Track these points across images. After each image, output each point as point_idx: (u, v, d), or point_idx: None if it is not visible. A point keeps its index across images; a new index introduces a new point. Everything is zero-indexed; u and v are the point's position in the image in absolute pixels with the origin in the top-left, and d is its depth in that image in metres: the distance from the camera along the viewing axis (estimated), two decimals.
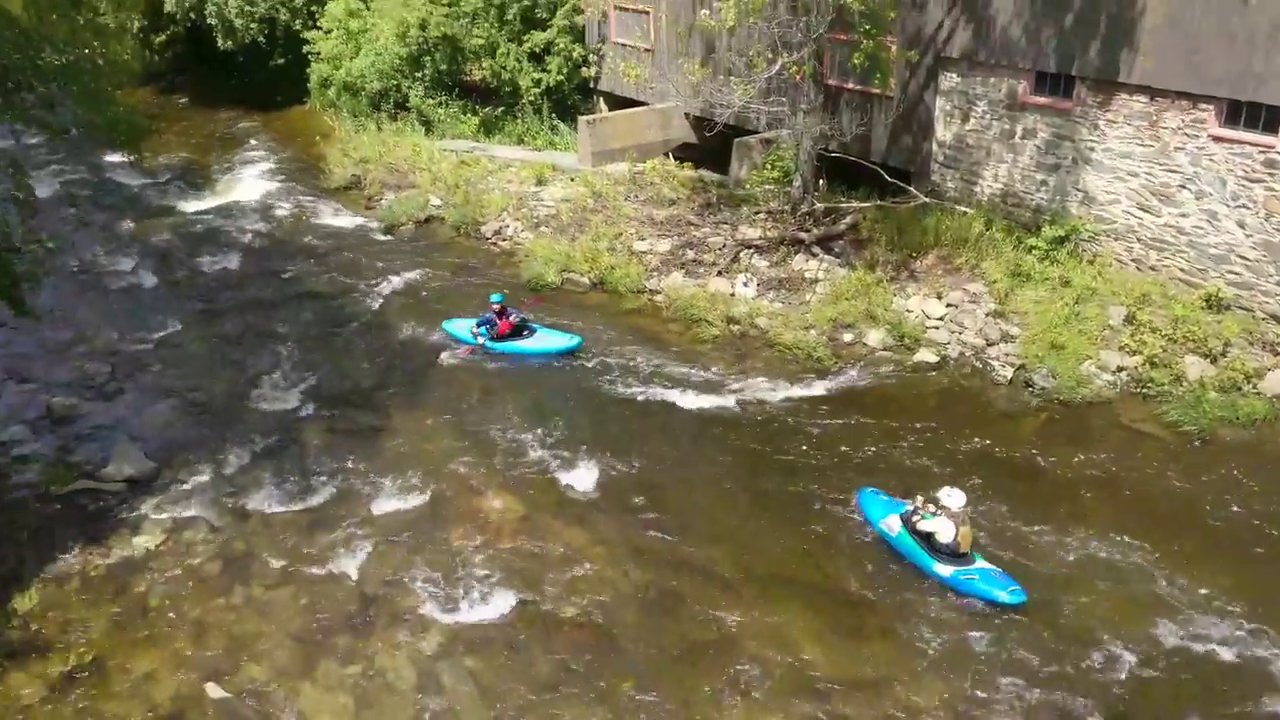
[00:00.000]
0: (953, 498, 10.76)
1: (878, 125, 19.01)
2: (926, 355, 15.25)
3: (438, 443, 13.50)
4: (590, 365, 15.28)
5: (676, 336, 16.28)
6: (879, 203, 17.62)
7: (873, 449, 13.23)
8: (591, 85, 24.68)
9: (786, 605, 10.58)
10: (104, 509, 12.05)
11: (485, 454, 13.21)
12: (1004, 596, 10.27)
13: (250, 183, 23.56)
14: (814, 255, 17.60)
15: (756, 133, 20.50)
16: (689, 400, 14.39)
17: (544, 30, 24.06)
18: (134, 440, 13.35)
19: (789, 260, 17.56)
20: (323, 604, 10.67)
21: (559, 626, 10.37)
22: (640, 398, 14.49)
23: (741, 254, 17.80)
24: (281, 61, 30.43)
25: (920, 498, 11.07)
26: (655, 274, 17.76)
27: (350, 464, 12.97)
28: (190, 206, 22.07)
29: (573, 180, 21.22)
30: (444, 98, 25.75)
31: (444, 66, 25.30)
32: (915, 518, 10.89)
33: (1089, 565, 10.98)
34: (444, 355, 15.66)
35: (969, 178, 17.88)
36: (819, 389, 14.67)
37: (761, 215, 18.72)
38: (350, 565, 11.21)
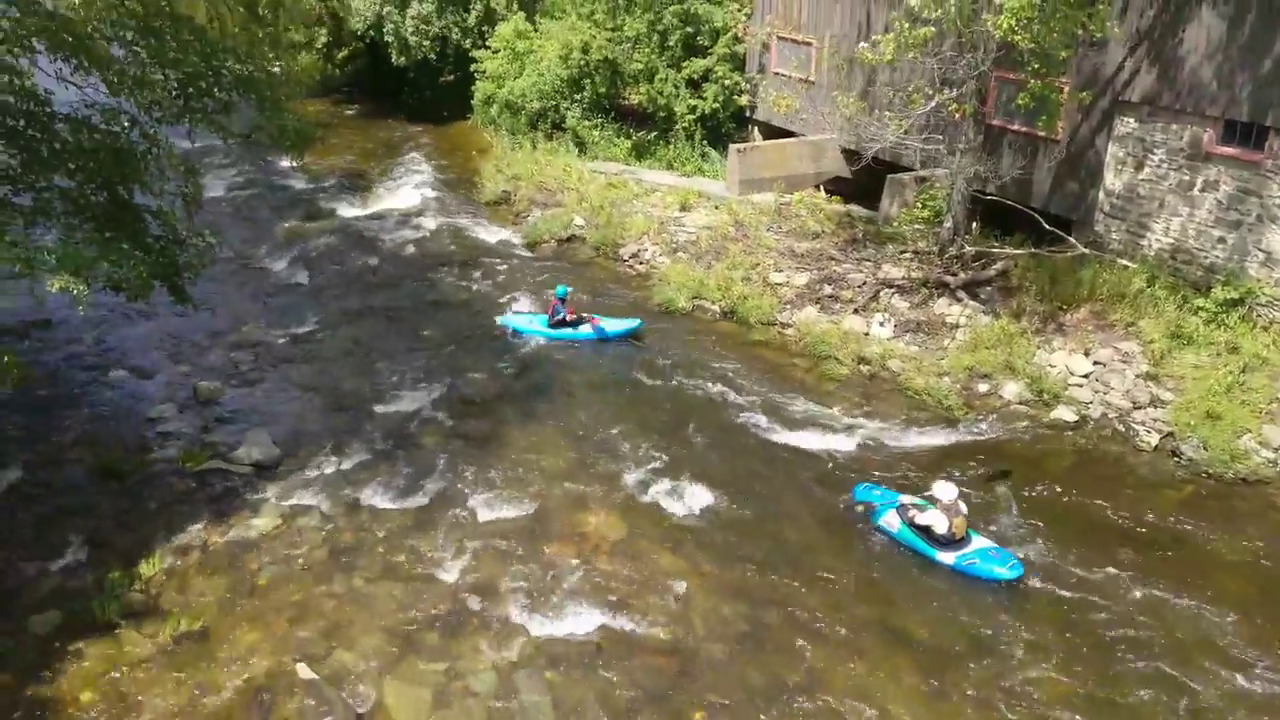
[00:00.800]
0: (944, 491, 11.30)
1: (1040, 169, 18.07)
2: (1065, 413, 14.29)
3: (549, 456, 13.52)
4: (711, 394, 15.04)
5: (803, 373, 15.83)
6: (1034, 250, 16.70)
7: (999, 504, 12.44)
8: (747, 114, 24.58)
9: (876, 656, 10.03)
10: (230, 489, 12.60)
11: (594, 472, 13.15)
12: (1004, 573, 10.95)
13: (407, 192, 24.51)
14: (958, 300, 16.82)
15: (911, 170, 19.85)
16: (808, 438, 13.95)
17: (704, 58, 24.13)
18: (265, 427, 13.94)
19: (930, 303, 16.85)
20: (417, 601, 10.78)
21: (641, 650, 10.15)
22: (758, 430, 14.15)
23: (881, 293, 17.20)
24: (451, 78, 31.78)
25: (911, 497, 11.80)
26: (788, 307, 17.37)
27: (462, 470, 13.14)
28: (348, 211, 23.11)
29: (717, 208, 21.11)
30: (600, 120, 26.16)
31: (602, 89, 25.74)
32: (911, 513, 11.42)
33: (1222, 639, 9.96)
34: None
35: (1136, 230, 16.73)
36: (946, 438, 13.96)
37: (908, 255, 18.10)
38: (448, 567, 11.32)
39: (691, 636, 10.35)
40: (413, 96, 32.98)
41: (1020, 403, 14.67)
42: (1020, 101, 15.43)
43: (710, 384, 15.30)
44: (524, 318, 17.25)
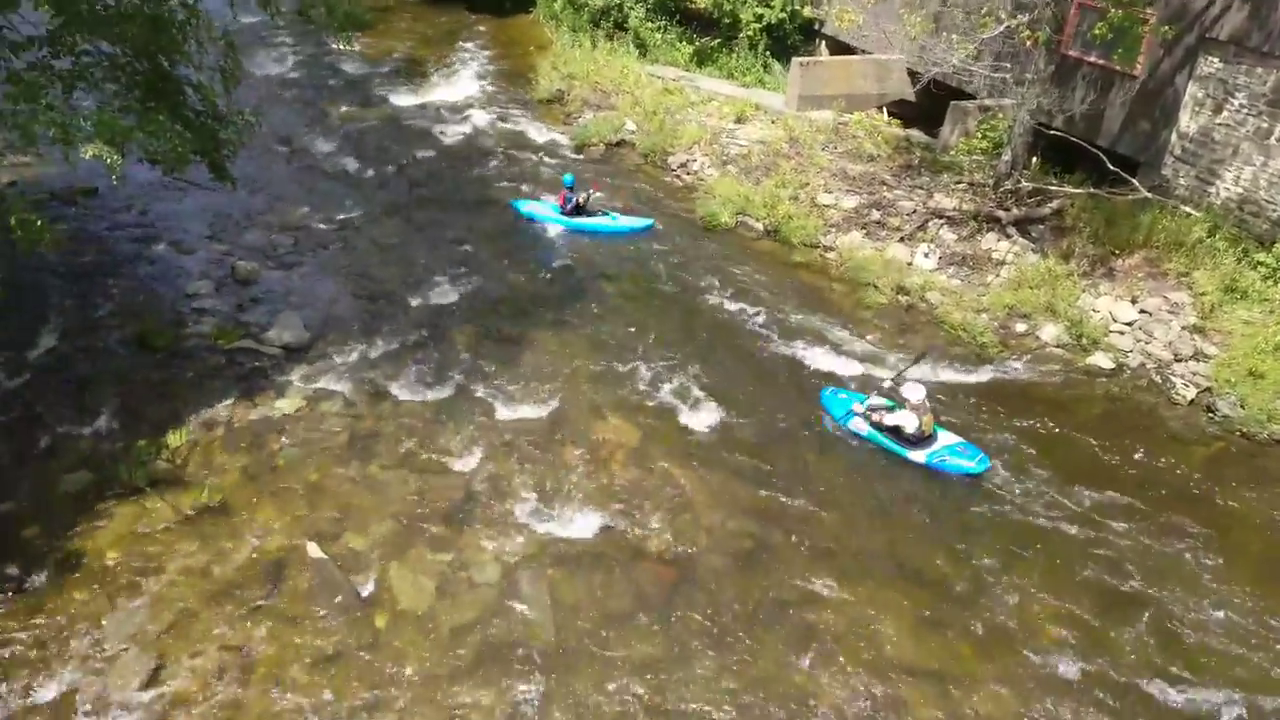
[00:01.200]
0: (913, 391, 11.82)
1: (1113, 106, 17.25)
2: (1102, 360, 13.94)
3: (574, 359, 13.56)
4: (743, 312, 14.90)
5: (840, 298, 15.58)
6: (1093, 190, 16.03)
7: (1021, 445, 12.28)
8: (816, 27, 23.70)
9: (880, 585, 10.08)
10: (258, 369, 12.84)
11: (617, 379, 13.18)
12: (972, 467, 11.64)
13: (460, 84, 24.17)
14: (1008, 236, 16.32)
15: (976, 98, 19.09)
16: (836, 363, 13.82)
17: None
18: (297, 310, 14.11)
19: (979, 237, 16.37)
20: (429, 492, 11.01)
21: (645, 558, 10.32)
22: (786, 352, 14.02)
23: (930, 223, 16.73)
24: None
25: (877, 393, 12.33)
26: (833, 230, 17.00)
27: (486, 367, 13.24)
28: (400, 100, 22.88)
29: (774, 122, 20.55)
30: (663, 22, 25.41)
31: None
32: (880, 414, 11.90)
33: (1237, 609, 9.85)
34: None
35: (1205, 177, 15.98)
36: (977, 376, 13.73)
37: (962, 186, 17.52)
38: (463, 461, 11.50)
39: (695, 550, 10.46)
40: None
41: (1057, 345, 14.33)
42: (1097, 31, 14.62)
43: (743, 302, 15.14)
44: (536, 204, 17.68)
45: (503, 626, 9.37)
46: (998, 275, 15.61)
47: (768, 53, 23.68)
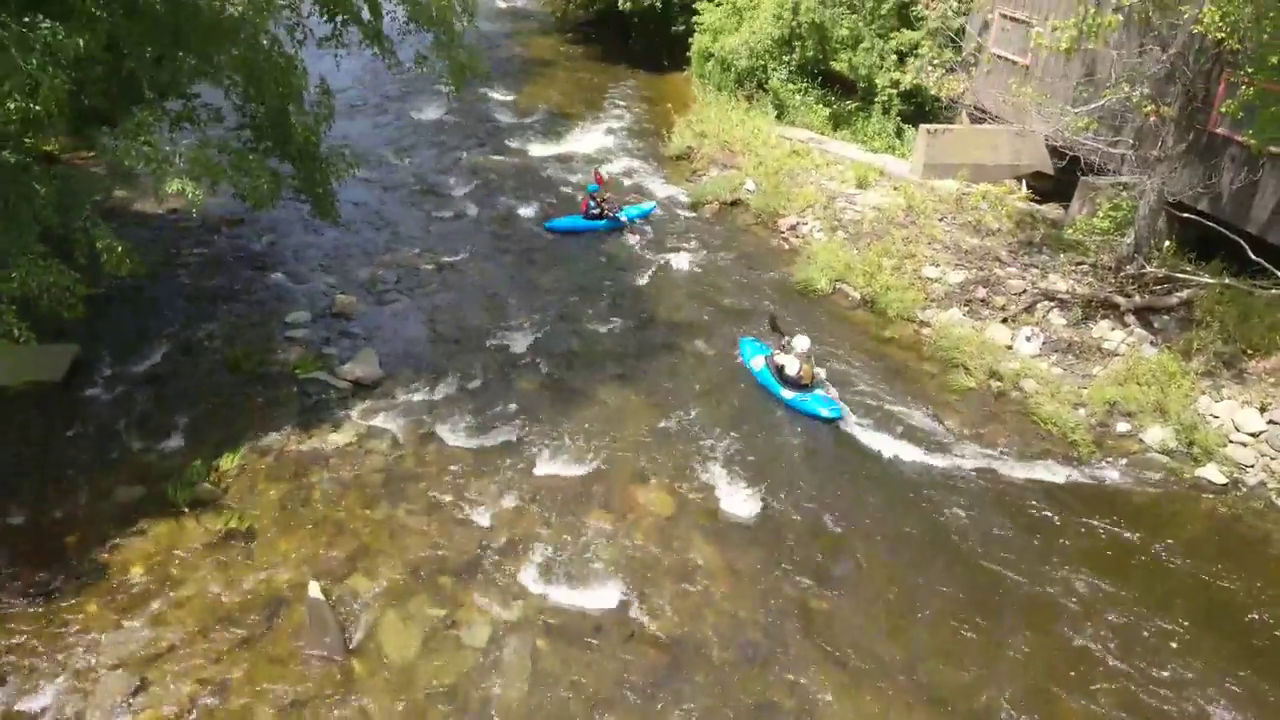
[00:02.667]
0: (800, 342, 13.79)
1: (1264, 191, 15.53)
2: (1213, 473, 12.44)
3: (631, 420, 13.37)
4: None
5: (926, 378, 14.67)
6: (1229, 281, 14.46)
7: (1098, 560, 11.12)
8: (957, 96, 22.73)
9: (885, 706, 9.23)
10: (323, 401, 13.36)
11: (669, 445, 12.89)
12: (825, 413, 13.28)
13: (597, 137, 24.66)
14: (1124, 325, 14.96)
15: (1115, 174, 17.69)
16: (904, 449, 12.98)
17: (916, 29, 22.51)
18: (378, 347, 14.61)
19: (1091, 323, 15.09)
20: (446, 542, 11.05)
21: (640, 639, 9.93)
22: (851, 433, 13.31)
23: (1039, 305, 15.58)
24: (680, 28, 31.40)
25: (776, 343, 14.14)
26: (933, 305, 16.10)
27: (540, 419, 13.25)
28: (535, 149, 23.56)
29: (895, 189, 19.80)
30: (805, 84, 25.09)
31: (810, 53, 24.63)
32: (775, 357, 13.84)
33: None
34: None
35: None
36: (1061, 475, 12.58)
37: (1084, 267, 16.23)
38: (488, 513, 11.50)
39: (697, 638, 9.97)
40: (640, 43, 33.00)
41: (1162, 452, 12.93)
42: (1225, 109, 13.24)
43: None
44: (564, 220, 19.28)
45: (476, 694, 9.21)
46: (1105, 367, 14.29)
47: (900, 118, 22.89)
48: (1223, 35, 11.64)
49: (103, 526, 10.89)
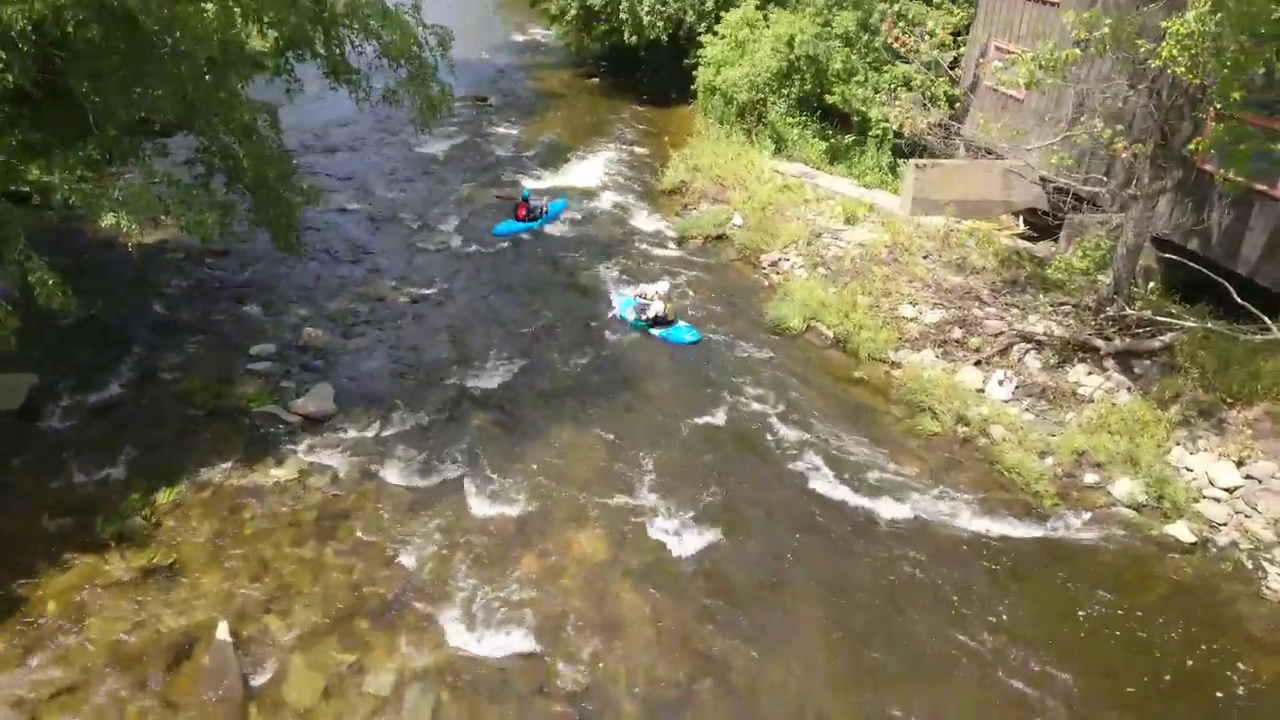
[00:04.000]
0: (660, 286, 16.86)
1: (1255, 228, 14.94)
2: (1182, 531, 11.83)
3: (577, 460, 13.11)
4: (777, 427, 13.93)
5: (891, 422, 14.22)
6: (1211, 325, 13.86)
7: (1054, 620, 10.63)
8: (953, 130, 22.32)
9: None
10: (270, 435, 13.25)
11: (611, 485, 12.61)
12: (688, 338, 16.10)
13: (593, 170, 24.59)
14: (1103, 370, 14.40)
15: (1105, 210, 17.17)
16: (857, 496, 12.55)
17: (910, 63, 22.16)
18: (335, 381, 14.50)
19: (1068, 367, 14.54)
20: (368, 584, 10.83)
21: (548, 694, 9.61)
22: (807, 478, 12.92)
23: (1015, 347, 15.07)
24: (688, 63, 31.35)
25: (641, 291, 16.89)
26: (907, 345, 15.65)
27: (486, 458, 13.02)
28: (529, 182, 23.45)
29: (883, 225, 19.40)
30: (804, 118, 24.83)
31: (808, 87, 24.39)
32: (643, 305, 16.44)
33: None
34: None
35: None
36: (1020, 528, 12.06)
37: (1067, 308, 15.71)
38: (415, 556, 11.27)
39: (607, 689, 9.64)
40: (649, 76, 33.03)
41: (1130, 505, 12.34)
42: (1195, 147, 12.72)
43: (782, 416, 14.16)
44: (505, 224, 20.56)
45: None
46: (1078, 414, 13.74)
47: (894, 152, 22.51)
48: (1183, 69, 11.17)
49: (25, 558, 10.81)
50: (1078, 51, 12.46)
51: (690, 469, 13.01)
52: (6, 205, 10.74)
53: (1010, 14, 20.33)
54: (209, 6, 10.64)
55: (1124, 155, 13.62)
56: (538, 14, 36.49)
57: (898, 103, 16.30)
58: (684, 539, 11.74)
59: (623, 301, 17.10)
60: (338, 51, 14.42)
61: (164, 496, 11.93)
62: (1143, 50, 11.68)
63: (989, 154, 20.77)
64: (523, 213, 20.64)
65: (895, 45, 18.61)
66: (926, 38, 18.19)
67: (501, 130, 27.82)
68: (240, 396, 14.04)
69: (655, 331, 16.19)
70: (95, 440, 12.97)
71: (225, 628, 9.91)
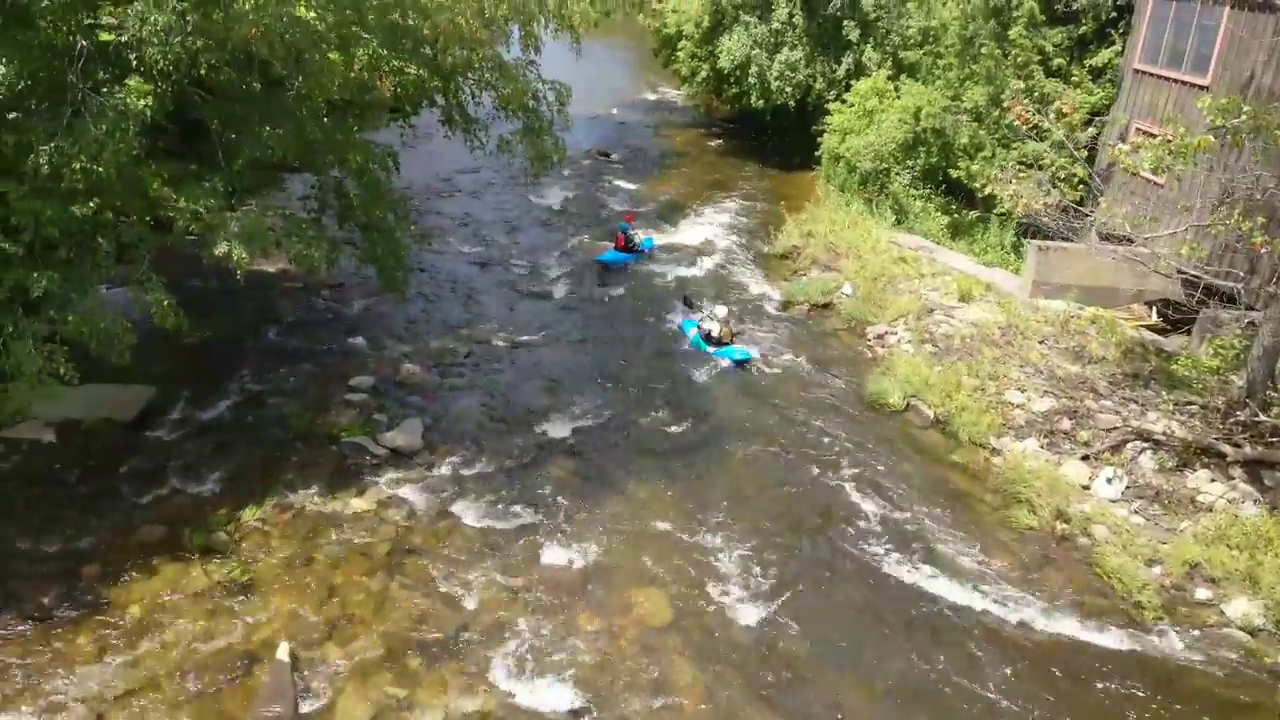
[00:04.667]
0: (719, 310, 18.22)
1: None
2: None
3: (652, 522, 12.91)
4: (865, 507, 13.42)
5: (985, 511, 13.53)
6: None
7: None
8: (1086, 210, 21.47)
9: None
10: (356, 465, 13.57)
11: (684, 548, 12.38)
12: (738, 355, 17.25)
13: (706, 229, 24.64)
14: (1229, 478, 13.39)
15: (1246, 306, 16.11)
16: (939, 585, 11.96)
17: (1042, 140, 21.48)
18: (427, 418, 14.78)
19: (1188, 471, 13.57)
20: (428, 621, 10.88)
21: None
22: (886, 560, 12.39)
23: (1129, 444, 14.18)
24: (815, 129, 31.33)
25: (704, 313, 18.43)
26: (1010, 432, 14.92)
27: (560, 507, 13.02)
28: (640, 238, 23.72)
29: (999, 306, 18.72)
30: (927, 191, 24.37)
31: (934, 159, 23.96)
32: (702, 324, 17.88)
33: None
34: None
35: None
36: (1115, 639, 11.21)
37: (1193, 408, 14.73)
38: (476, 598, 11.28)
39: None
40: (775, 141, 33.11)
41: (1245, 628, 11.31)
42: None
43: (869, 494, 13.66)
44: (608, 254, 21.84)
45: None
46: (1195, 522, 12.76)
47: (1017, 233, 21.75)
48: None
49: (118, 561, 11.33)
50: (1212, 139, 11.80)
51: (765, 538, 12.66)
52: (143, 230, 11.46)
53: (1155, 95, 19.49)
54: (333, 56, 11.16)
55: (1263, 250, 12.73)
56: (671, 74, 37.15)
57: (1015, 181, 15.65)
58: (749, 610, 11.39)
59: (688, 324, 18.45)
60: (454, 101, 14.90)
61: (249, 514, 12.33)
62: None
63: (1122, 240, 19.84)
64: (621, 243, 22.05)
65: (1019, 124, 18.01)
66: (1053, 116, 17.55)
67: (621, 184, 28.28)
68: (333, 425, 14.44)
69: (710, 349, 17.53)
70: (196, 455, 13.54)
71: (286, 649, 10.09)
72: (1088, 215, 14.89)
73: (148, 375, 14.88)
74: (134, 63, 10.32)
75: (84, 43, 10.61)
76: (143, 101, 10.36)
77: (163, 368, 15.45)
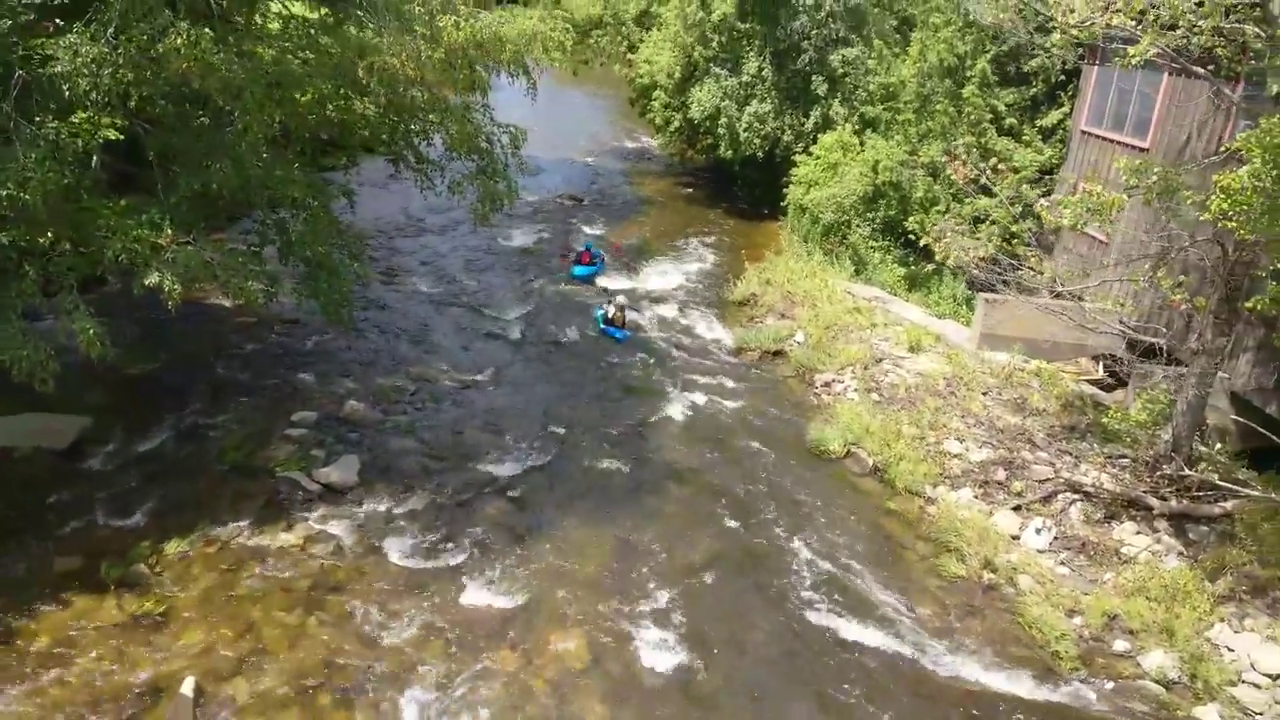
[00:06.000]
0: (618, 300, 21.04)
1: None
2: (1211, 716, 10.78)
3: (582, 563, 12.89)
4: (794, 552, 13.45)
5: (914, 560, 13.56)
6: (1275, 496, 12.86)
7: None
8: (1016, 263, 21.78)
9: None
10: (288, 500, 13.52)
11: (610, 590, 12.36)
12: (619, 335, 20.41)
13: (668, 277, 24.82)
14: (1154, 530, 13.50)
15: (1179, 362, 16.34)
16: (862, 632, 11.95)
17: (992, 197, 21.86)
18: (365, 455, 14.77)
19: (1115, 523, 13.67)
20: (342, 659, 10.79)
21: None
22: (811, 606, 12.39)
23: (1060, 495, 14.29)
24: (785, 179, 31.75)
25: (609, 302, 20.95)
26: (946, 482, 15.01)
27: (492, 547, 12.99)
28: (604, 280, 23.89)
29: (947, 357, 18.93)
30: (886, 243, 24.71)
31: (893, 212, 24.33)
32: (605, 308, 20.87)
33: None
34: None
35: None
36: (1031, 689, 11.20)
37: (1125, 461, 14.88)
38: (394, 637, 11.21)
39: None
40: (744, 191, 33.48)
41: (1158, 680, 11.33)
42: (1250, 304, 12.01)
43: (801, 540, 13.69)
44: (577, 268, 23.98)
45: None
46: (1118, 574, 12.82)
47: (968, 285, 22.03)
48: (1234, 224, 10.66)
49: (31, 592, 11.21)
50: (1124, 198, 12.08)
51: (693, 581, 12.66)
52: (72, 259, 11.53)
53: (1100, 156, 19.91)
54: (274, 92, 11.34)
55: (1182, 307, 12.97)
56: (648, 123, 37.65)
57: (948, 234, 15.92)
58: (667, 653, 11.36)
59: (598, 311, 21.37)
60: (403, 141, 15.09)
61: (172, 547, 12.25)
62: (1189, 203, 11.23)
63: (1072, 296, 20.12)
64: (586, 258, 24.36)
65: (959, 181, 18.31)
66: (989, 173, 17.86)
67: (588, 230, 28.49)
68: (270, 459, 14.40)
69: (606, 328, 20.63)
70: (127, 486, 13.48)
71: (191, 683, 9.99)
72: (1017, 269, 15.05)
73: (89, 405, 14.93)
74: (66, 93, 10.43)
75: (20, 73, 10.75)
76: (83, 137, 10.48)
77: (105, 398, 15.46)
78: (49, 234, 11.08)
